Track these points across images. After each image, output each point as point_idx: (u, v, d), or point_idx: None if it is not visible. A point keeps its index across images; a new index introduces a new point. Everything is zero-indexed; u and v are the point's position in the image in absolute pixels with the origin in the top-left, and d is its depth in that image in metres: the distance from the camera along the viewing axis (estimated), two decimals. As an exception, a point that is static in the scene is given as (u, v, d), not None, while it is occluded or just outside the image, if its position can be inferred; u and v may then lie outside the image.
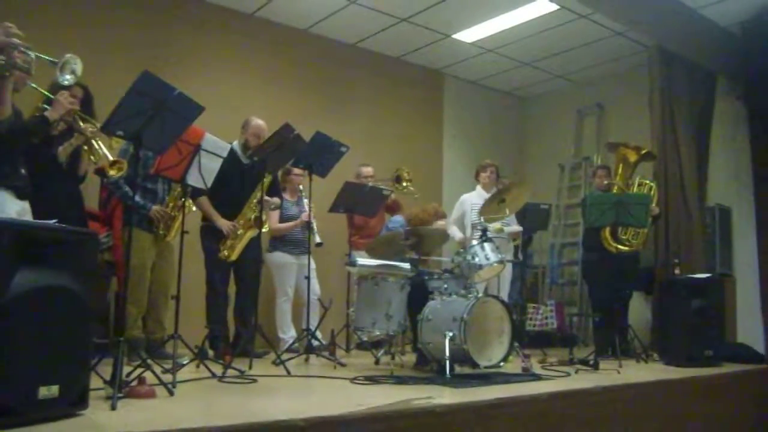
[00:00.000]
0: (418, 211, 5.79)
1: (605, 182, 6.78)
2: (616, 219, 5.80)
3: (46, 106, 3.85)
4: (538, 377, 4.55)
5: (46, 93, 3.89)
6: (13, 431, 2.39)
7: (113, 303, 5.82)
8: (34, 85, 3.77)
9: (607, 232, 6.29)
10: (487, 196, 6.73)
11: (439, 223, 5.70)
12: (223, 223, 5.41)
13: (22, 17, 3.38)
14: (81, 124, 4.17)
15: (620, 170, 6.69)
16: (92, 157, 4.27)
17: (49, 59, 3.36)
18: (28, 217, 3.75)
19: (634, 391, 4.45)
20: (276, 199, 5.80)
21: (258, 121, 5.66)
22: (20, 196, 3.74)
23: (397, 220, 5.90)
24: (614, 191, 6.46)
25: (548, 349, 6.68)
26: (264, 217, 5.33)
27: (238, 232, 5.40)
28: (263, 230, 5.41)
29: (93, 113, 4.39)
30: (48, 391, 2.59)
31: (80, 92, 4.43)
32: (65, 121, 4.10)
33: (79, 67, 3.44)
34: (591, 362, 5.18)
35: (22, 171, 3.76)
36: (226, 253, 5.39)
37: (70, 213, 4.44)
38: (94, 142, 4.14)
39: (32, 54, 3.30)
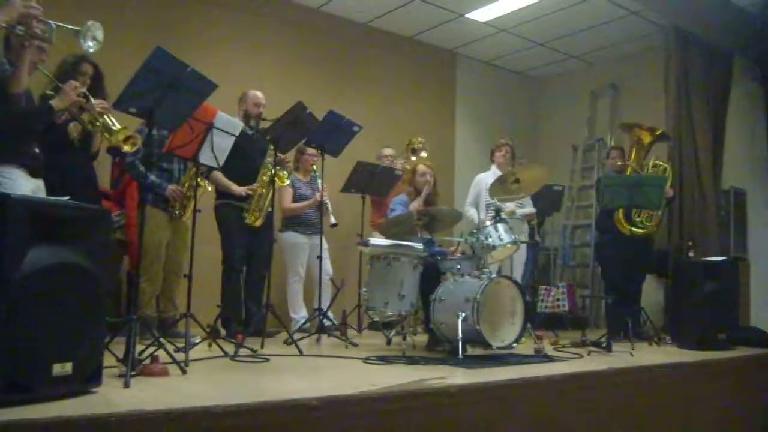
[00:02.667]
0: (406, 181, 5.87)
1: (619, 164, 6.72)
2: (630, 201, 5.75)
3: (52, 93, 3.79)
4: (550, 359, 4.53)
5: (56, 81, 3.83)
6: (27, 408, 2.38)
7: (125, 282, 5.84)
8: (44, 71, 3.74)
9: (620, 214, 6.23)
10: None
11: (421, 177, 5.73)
12: (242, 189, 5.45)
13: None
14: (85, 116, 4.10)
15: (634, 152, 6.62)
16: (107, 134, 4.24)
17: (70, 27, 3.33)
18: (41, 195, 3.75)
19: (647, 373, 4.43)
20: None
21: (254, 91, 5.73)
22: (33, 173, 3.73)
23: (400, 199, 5.87)
24: (628, 173, 6.40)
25: (560, 330, 6.68)
26: (281, 174, 5.36)
27: (261, 191, 5.42)
28: (284, 184, 5.39)
29: (104, 91, 4.33)
30: (62, 368, 2.59)
31: (90, 69, 4.39)
32: (70, 112, 4.05)
33: (100, 34, 3.39)
34: (604, 344, 5.15)
35: (35, 149, 3.75)
36: (251, 218, 5.40)
37: (84, 190, 4.42)
38: (106, 117, 4.12)
39: (53, 23, 3.27)
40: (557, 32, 8.54)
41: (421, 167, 5.87)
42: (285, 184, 5.68)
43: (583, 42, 8.79)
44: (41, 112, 3.72)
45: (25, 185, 3.64)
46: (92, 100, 3.90)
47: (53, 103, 3.67)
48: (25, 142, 3.67)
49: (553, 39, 8.78)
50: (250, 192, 5.46)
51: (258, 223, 5.47)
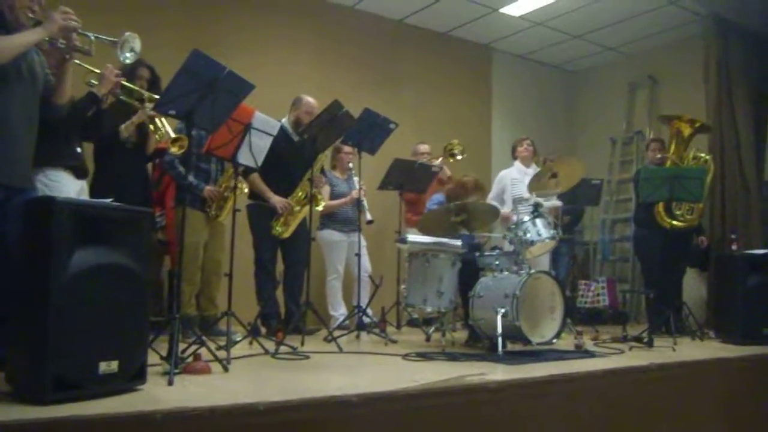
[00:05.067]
0: (455, 185, 5.78)
1: (658, 156, 6.64)
2: (670, 194, 5.67)
3: (93, 82, 3.93)
4: (591, 354, 4.49)
5: (92, 69, 3.92)
6: (76, 405, 2.45)
7: (166, 281, 5.92)
8: (78, 61, 3.81)
9: (660, 207, 6.15)
10: (525, 170, 6.70)
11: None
12: (278, 200, 5.45)
13: (70, 2, 3.41)
14: (131, 97, 4.23)
15: (674, 144, 6.53)
16: (156, 136, 4.34)
17: (108, 39, 3.40)
18: (86, 196, 3.84)
19: (689, 369, 4.37)
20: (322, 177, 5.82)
21: (310, 99, 5.69)
22: (78, 175, 3.83)
23: (436, 198, 5.86)
24: (668, 165, 6.32)
25: (600, 326, 6.63)
26: (319, 196, 5.35)
27: (295, 209, 5.43)
28: (318, 208, 5.40)
29: (161, 93, 4.46)
30: (108, 367, 2.66)
31: (147, 73, 4.52)
32: (114, 95, 4.17)
33: (138, 44, 3.47)
34: (645, 339, 5.09)
35: (77, 149, 3.85)
36: (279, 229, 5.43)
37: (135, 191, 4.52)
38: (157, 119, 4.19)
39: (91, 35, 3.35)
40: (593, 24, 8.44)
41: (470, 184, 5.80)
42: (319, 208, 5.64)
43: (619, 33, 8.67)
44: (86, 101, 3.84)
45: (72, 187, 3.74)
46: (148, 103, 4.00)
47: (95, 90, 3.81)
48: (68, 144, 3.77)
49: (589, 31, 8.68)
50: (284, 205, 5.46)
51: (285, 235, 5.48)
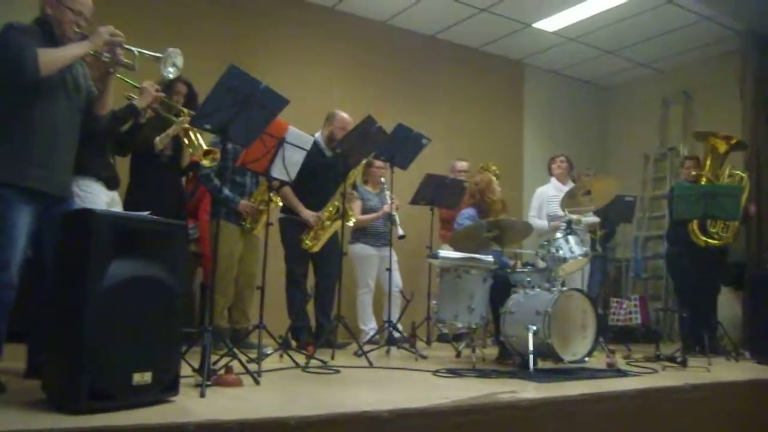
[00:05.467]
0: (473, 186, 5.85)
1: (693, 173, 6.55)
2: (705, 211, 5.60)
3: (133, 96, 4.02)
4: (624, 373, 4.44)
5: (133, 83, 4.02)
6: (110, 415, 2.47)
7: (198, 293, 5.97)
8: (119, 76, 3.90)
9: (695, 225, 6.07)
10: (561, 186, 6.66)
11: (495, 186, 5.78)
12: (309, 214, 5.47)
13: (110, 17, 3.49)
14: (168, 112, 4.31)
15: (709, 161, 6.45)
16: (190, 149, 4.40)
17: (151, 54, 3.47)
18: (117, 207, 3.93)
19: (725, 390, 4.30)
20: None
21: (344, 115, 5.71)
22: (109, 186, 3.90)
23: (467, 213, 5.86)
24: (703, 183, 6.24)
25: (632, 344, 6.54)
26: (350, 211, 5.37)
27: (325, 224, 5.46)
28: (349, 224, 5.41)
29: (197, 109, 4.52)
30: (142, 378, 2.68)
31: (184, 89, 4.60)
32: (153, 110, 4.24)
33: (180, 60, 3.54)
34: (679, 359, 5.02)
35: (110, 159, 3.92)
36: (309, 243, 5.44)
37: (169, 204, 4.59)
38: (191, 133, 4.25)
39: (135, 50, 3.43)
40: (626, 40, 8.39)
41: (494, 185, 5.83)
42: (350, 223, 5.64)
43: (653, 49, 8.61)
44: (125, 112, 3.96)
45: (103, 198, 3.81)
46: (184, 116, 4.07)
47: (135, 103, 3.93)
48: (101, 155, 3.84)
49: (622, 47, 8.63)
50: (315, 220, 5.47)
51: (315, 249, 5.47)
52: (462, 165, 7.09)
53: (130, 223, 2.82)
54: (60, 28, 3.30)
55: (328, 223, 5.46)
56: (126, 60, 3.43)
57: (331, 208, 5.49)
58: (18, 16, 3.39)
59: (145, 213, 2.96)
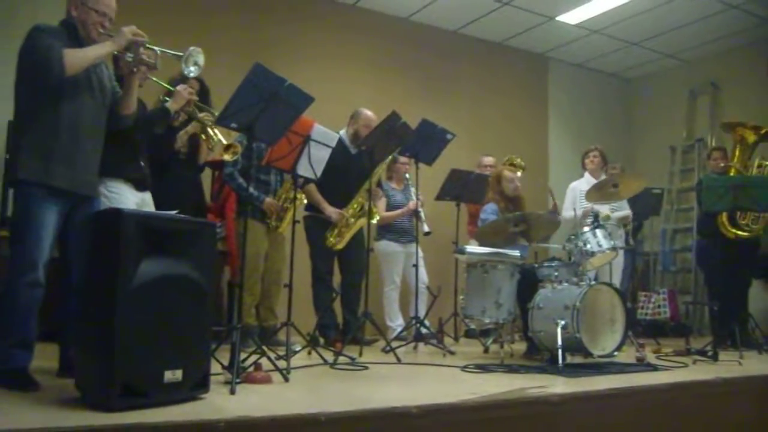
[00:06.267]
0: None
1: (722, 165, 6.48)
2: (734, 203, 5.51)
3: (167, 98, 4.07)
4: (654, 368, 4.40)
5: (167, 86, 4.05)
6: (141, 412, 2.49)
7: (226, 291, 6.00)
8: (155, 79, 3.94)
9: (724, 217, 6.00)
10: (594, 181, 6.60)
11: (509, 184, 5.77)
12: (332, 211, 5.48)
13: (136, 18, 3.51)
14: (199, 114, 4.35)
15: (738, 152, 6.36)
16: (209, 146, 4.43)
17: (173, 53, 3.49)
18: (147, 208, 3.94)
19: (757, 383, 4.23)
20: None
21: (369, 113, 5.71)
22: (139, 187, 3.93)
23: (490, 208, 5.85)
24: (732, 174, 6.16)
25: (661, 338, 6.48)
26: (374, 209, 5.37)
27: (350, 221, 5.46)
28: (373, 222, 5.41)
29: (210, 105, 4.59)
30: (173, 375, 2.70)
31: (196, 85, 4.61)
32: (185, 112, 4.28)
33: (201, 59, 3.56)
34: (710, 353, 4.96)
35: (142, 163, 3.95)
36: (333, 240, 5.45)
37: (191, 202, 4.64)
38: (209, 129, 4.28)
39: (157, 49, 3.46)
40: (652, 31, 8.31)
41: (507, 173, 5.84)
42: (374, 221, 5.65)
43: (679, 40, 8.52)
44: (159, 114, 4.01)
45: (131, 199, 3.83)
46: (198, 113, 4.10)
47: (168, 105, 3.97)
48: (132, 156, 3.88)
49: (647, 38, 8.55)
50: (339, 217, 5.49)
51: (339, 246, 5.49)
52: (488, 160, 7.08)
53: (158, 223, 2.84)
54: (85, 29, 3.34)
55: (352, 220, 5.47)
56: (148, 59, 3.46)
57: (355, 205, 5.50)
58: (44, 19, 3.43)
59: (173, 212, 2.98)
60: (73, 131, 3.26)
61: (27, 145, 3.19)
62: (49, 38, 3.17)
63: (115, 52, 3.37)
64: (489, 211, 5.71)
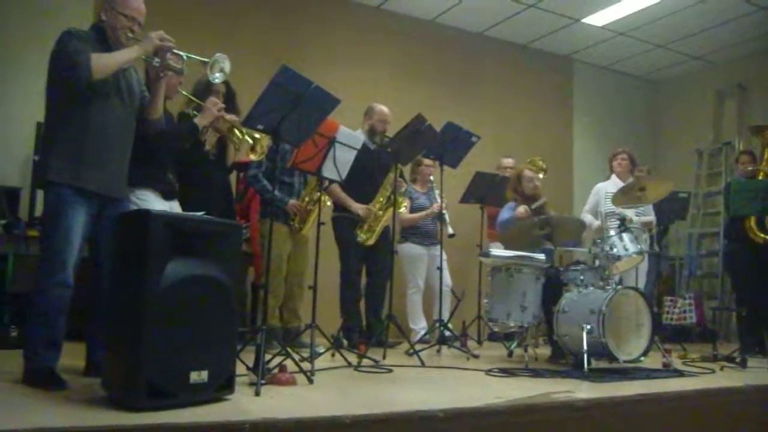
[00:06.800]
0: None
1: (750, 168, 6.39)
2: (763, 207, 5.44)
3: (195, 112, 4.08)
4: (680, 373, 4.34)
5: (197, 100, 4.07)
6: (167, 412, 2.50)
7: (249, 292, 6.02)
8: (184, 93, 3.97)
9: (752, 221, 5.90)
10: (622, 184, 6.55)
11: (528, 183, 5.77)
12: (359, 207, 5.50)
13: (163, 22, 3.54)
14: (226, 116, 4.37)
15: (766, 155, 6.26)
16: (236, 146, 4.44)
17: (199, 59, 3.51)
18: (176, 213, 3.96)
19: (788, 391, 4.18)
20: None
21: (381, 107, 5.75)
22: (167, 196, 3.96)
23: (511, 205, 5.83)
24: (760, 177, 6.07)
25: (687, 344, 6.41)
26: (400, 198, 5.38)
27: (377, 214, 5.47)
28: (400, 211, 5.41)
29: (236, 108, 4.60)
30: (198, 376, 2.70)
31: (223, 88, 4.63)
32: (214, 128, 4.29)
33: (227, 65, 3.57)
34: (737, 359, 4.90)
35: (169, 174, 3.98)
36: (363, 236, 5.46)
37: (220, 203, 4.65)
38: (236, 130, 4.31)
39: (184, 55, 3.48)
40: (678, 33, 8.23)
41: (527, 172, 5.82)
42: (402, 210, 5.65)
43: (706, 42, 8.43)
44: (187, 130, 4.01)
45: (159, 207, 3.85)
46: (226, 115, 4.12)
47: (196, 121, 3.96)
48: (159, 166, 3.91)
49: (674, 40, 8.47)
50: (366, 212, 5.51)
51: (370, 242, 5.51)
52: (508, 162, 7.05)
53: (186, 224, 2.85)
54: (114, 34, 3.38)
55: (380, 213, 5.48)
56: (175, 64, 3.48)
57: (381, 199, 5.53)
58: (74, 23, 3.46)
59: (200, 213, 2.99)
60: (102, 134, 3.29)
61: (57, 147, 3.23)
62: (78, 42, 3.21)
63: (143, 57, 3.39)
64: (508, 208, 5.71)
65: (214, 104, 3.97)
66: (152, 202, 3.88)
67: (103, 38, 3.37)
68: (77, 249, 3.21)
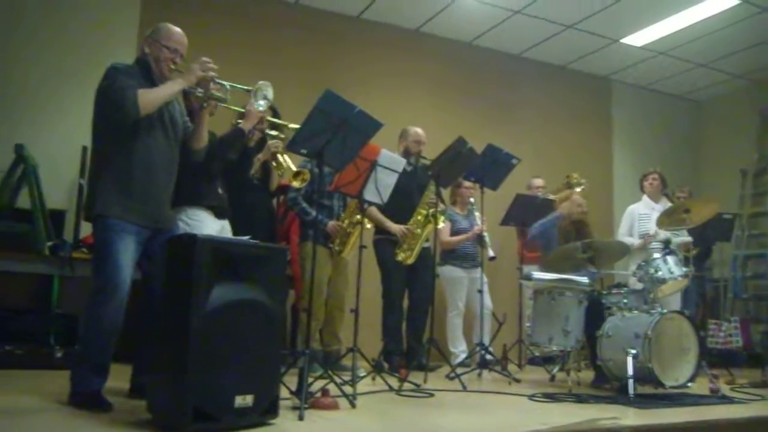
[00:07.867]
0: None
1: (796, 188, 6.27)
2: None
3: (239, 120, 4.12)
4: (730, 400, 4.25)
5: (238, 108, 4.12)
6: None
7: (289, 315, 6.03)
8: (224, 105, 4.01)
9: (801, 242, 5.80)
10: (654, 204, 6.50)
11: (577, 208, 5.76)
12: (398, 228, 5.51)
13: (206, 54, 3.59)
14: (272, 131, 4.42)
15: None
16: (278, 172, 4.48)
17: (243, 88, 3.56)
18: (227, 234, 4.00)
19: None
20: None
21: (416, 128, 5.80)
22: (218, 215, 4.00)
23: (539, 224, 5.81)
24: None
25: (734, 368, 6.26)
26: (438, 214, 5.41)
27: (416, 232, 5.46)
28: (440, 226, 5.41)
29: (283, 132, 4.64)
30: (243, 400, 2.72)
31: (269, 112, 4.69)
32: (259, 130, 4.34)
33: (270, 92, 3.62)
34: (788, 385, 4.79)
35: (220, 191, 4.02)
36: (402, 255, 5.46)
37: (264, 226, 4.70)
38: (279, 156, 4.33)
39: (227, 84, 3.53)
40: (720, 52, 8.12)
41: (576, 198, 5.78)
42: (441, 226, 5.65)
43: (749, 60, 8.29)
44: (233, 136, 4.08)
45: (212, 226, 3.91)
46: (271, 130, 4.17)
47: (241, 125, 4.02)
48: (209, 184, 3.94)
49: (715, 59, 8.35)
50: (405, 231, 5.51)
51: (409, 261, 5.51)
52: (538, 182, 7.02)
53: (231, 248, 2.88)
54: (157, 66, 3.43)
55: (418, 231, 5.48)
56: (218, 94, 3.52)
57: (419, 217, 5.55)
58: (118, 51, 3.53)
59: (246, 237, 3.02)
60: (147, 168, 3.34)
61: (103, 181, 3.28)
62: (124, 78, 3.26)
63: (186, 88, 3.43)
64: (537, 226, 5.71)
65: (254, 106, 3.77)
66: (204, 221, 3.94)
67: (147, 71, 3.43)
68: (129, 273, 3.25)
